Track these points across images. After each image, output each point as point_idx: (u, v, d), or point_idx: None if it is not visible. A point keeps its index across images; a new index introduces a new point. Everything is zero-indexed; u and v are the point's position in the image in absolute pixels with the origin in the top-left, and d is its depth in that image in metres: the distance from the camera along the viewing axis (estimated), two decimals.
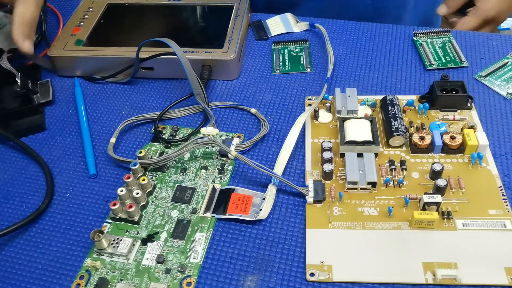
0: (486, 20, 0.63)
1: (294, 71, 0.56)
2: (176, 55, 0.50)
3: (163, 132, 0.50)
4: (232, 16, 0.58)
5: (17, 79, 0.53)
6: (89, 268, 0.40)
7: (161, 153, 0.47)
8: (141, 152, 0.45)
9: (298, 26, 0.61)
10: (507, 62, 0.55)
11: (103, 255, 0.40)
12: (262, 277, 0.38)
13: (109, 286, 0.38)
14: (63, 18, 0.66)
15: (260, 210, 0.42)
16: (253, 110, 0.51)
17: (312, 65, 0.57)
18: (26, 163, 0.48)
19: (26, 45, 0.52)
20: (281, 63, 0.57)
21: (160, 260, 0.39)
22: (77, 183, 0.46)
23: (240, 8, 0.60)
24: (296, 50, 0.58)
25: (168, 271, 0.39)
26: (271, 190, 0.43)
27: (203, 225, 0.42)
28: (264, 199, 0.43)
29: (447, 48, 0.57)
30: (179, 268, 0.39)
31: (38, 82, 0.55)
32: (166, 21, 0.61)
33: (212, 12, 0.61)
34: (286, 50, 0.58)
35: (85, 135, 0.50)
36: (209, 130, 0.49)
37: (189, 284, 0.38)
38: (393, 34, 0.60)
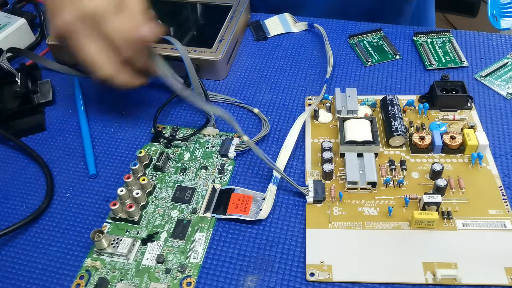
0: None
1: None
2: (180, 54, 0.50)
3: (163, 132, 0.50)
4: (228, 17, 0.58)
5: (17, 79, 0.53)
6: (89, 268, 0.40)
7: (161, 153, 0.47)
8: (141, 152, 0.45)
9: (296, 26, 0.61)
10: (507, 62, 0.55)
11: (103, 255, 0.40)
12: (262, 277, 0.38)
13: (109, 286, 0.38)
14: None
15: (260, 210, 0.42)
16: (256, 110, 0.51)
17: (312, 65, 0.57)
18: (26, 163, 0.48)
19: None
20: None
21: (160, 260, 0.39)
22: (77, 183, 0.46)
23: (237, 8, 0.60)
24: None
25: (168, 271, 0.39)
26: (271, 190, 0.43)
27: (203, 225, 0.42)
28: (264, 199, 0.43)
29: (447, 48, 0.57)
30: (179, 268, 0.39)
31: (38, 82, 0.55)
32: (164, 17, 0.62)
33: (209, 11, 0.61)
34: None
35: (85, 135, 0.50)
36: (209, 131, 0.49)
37: (189, 284, 0.38)
38: (393, 34, 0.60)
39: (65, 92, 0.56)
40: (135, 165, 0.44)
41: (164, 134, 0.50)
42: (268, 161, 0.43)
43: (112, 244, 0.40)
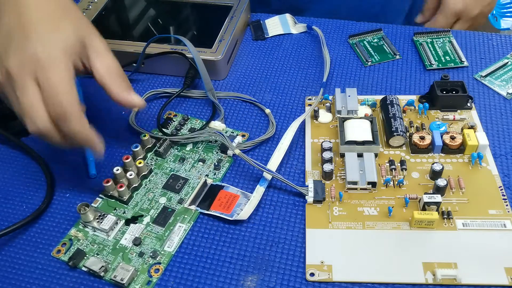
0: (456, 15, 0.64)
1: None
2: (191, 54, 0.51)
3: (174, 119, 0.51)
4: (228, 17, 0.58)
5: None
6: (72, 238, 0.41)
7: (164, 140, 0.47)
8: (145, 136, 0.47)
9: (296, 28, 0.61)
10: (507, 62, 0.55)
11: (87, 227, 0.42)
12: (262, 277, 0.38)
13: (84, 258, 0.40)
14: None
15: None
16: (267, 111, 0.51)
17: (312, 65, 0.57)
18: (26, 163, 0.48)
19: (136, 98, 0.42)
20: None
21: (137, 242, 0.40)
22: (77, 183, 0.46)
23: (237, 8, 0.60)
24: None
25: (141, 254, 0.40)
26: (258, 191, 0.43)
27: (186, 216, 0.42)
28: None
29: (447, 48, 0.57)
30: (151, 254, 0.40)
31: None
32: (164, 17, 0.62)
33: (210, 11, 0.62)
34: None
35: None
36: (216, 125, 0.49)
37: (157, 270, 0.39)
38: (393, 34, 0.60)
39: None
40: (136, 147, 0.46)
41: (174, 121, 0.50)
42: (265, 169, 0.43)
43: (97, 219, 0.42)
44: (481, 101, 0.51)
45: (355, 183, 0.43)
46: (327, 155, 0.45)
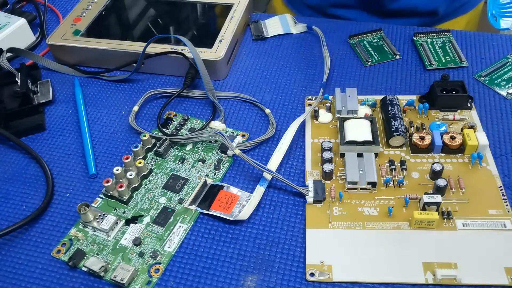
0: None
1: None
2: (191, 54, 0.51)
3: (174, 119, 0.51)
4: (228, 17, 0.58)
5: (17, 79, 0.53)
6: (72, 238, 0.41)
7: (164, 140, 0.47)
8: (145, 136, 0.47)
9: (296, 28, 0.61)
10: (507, 62, 0.55)
11: (87, 227, 0.42)
12: (262, 277, 0.38)
13: (85, 258, 0.40)
14: (63, 18, 0.66)
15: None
16: (267, 111, 0.51)
17: (312, 65, 0.57)
18: (26, 163, 0.48)
19: None
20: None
21: (137, 242, 0.40)
22: (77, 183, 0.46)
23: (237, 8, 0.60)
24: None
25: (141, 254, 0.40)
26: (258, 191, 0.43)
27: (186, 216, 0.42)
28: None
29: (447, 48, 0.57)
30: (151, 254, 0.40)
31: (38, 82, 0.55)
32: (165, 17, 0.62)
33: (210, 11, 0.62)
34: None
35: (85, 135, 0.50)
36: (216, 125, 0.49)
37: (157, 270, 0.39)
38: (393, 34, 0.60)
39: (65, 92, 0.56)
40: (136, 147, 0.46)
41: (174, 121, 0.50)
42: (266, 169, 0.43)
43: (97, 219, 0.42)
44: (481, 101, 0.51)
45: (355, 183, 0.43)
46: (327, 155, 0.45)
